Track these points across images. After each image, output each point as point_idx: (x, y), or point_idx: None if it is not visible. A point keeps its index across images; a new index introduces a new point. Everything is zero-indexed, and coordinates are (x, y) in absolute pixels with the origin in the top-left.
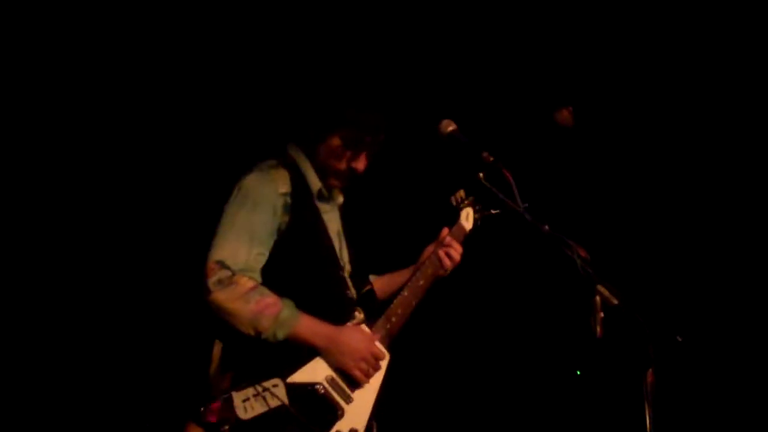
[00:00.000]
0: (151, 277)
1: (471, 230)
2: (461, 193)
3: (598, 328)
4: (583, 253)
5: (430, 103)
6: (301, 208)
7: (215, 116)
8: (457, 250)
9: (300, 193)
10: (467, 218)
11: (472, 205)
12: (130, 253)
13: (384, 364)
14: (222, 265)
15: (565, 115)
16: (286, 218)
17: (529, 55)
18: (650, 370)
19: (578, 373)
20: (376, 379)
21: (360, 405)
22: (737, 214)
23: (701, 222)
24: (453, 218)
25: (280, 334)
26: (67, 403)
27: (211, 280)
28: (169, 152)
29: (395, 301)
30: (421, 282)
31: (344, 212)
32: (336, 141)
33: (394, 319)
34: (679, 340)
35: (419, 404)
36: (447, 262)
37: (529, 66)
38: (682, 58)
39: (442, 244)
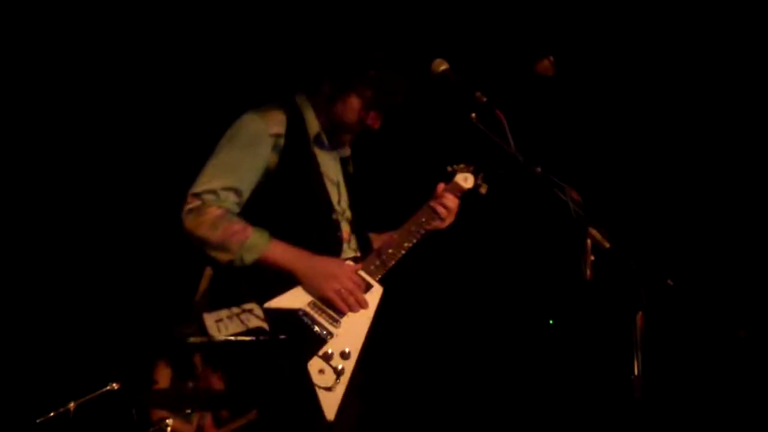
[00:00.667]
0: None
1: (470, 191)
2: (462, 165)
3: (588, 271)
4: (575, 196)
5: (421, 46)
6: (293, 151)
7: (230, 72)
8: (451, 201)
9: (295, 135)
10: (465, 180)
11: (472, 172)
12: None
13: (375, 296)
14: (196, 196)
15: (545, 65)
16: (275, 159)
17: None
18: (640, 313)
19: (551, 322)
20: (366, 312)
21: (351, 330)
22: (728, 154)
23: (692, 164)
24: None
25: (249, 258)
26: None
27: (184, 210)
28: (181, 106)
29: (385, 242)
30: (413, 228)
31: (353, 165)
32: (355, 100)
33: (383, 257)
34: (670, 283)
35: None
36: (441, 211)
37: (511, 16)
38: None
39: (436, 196)
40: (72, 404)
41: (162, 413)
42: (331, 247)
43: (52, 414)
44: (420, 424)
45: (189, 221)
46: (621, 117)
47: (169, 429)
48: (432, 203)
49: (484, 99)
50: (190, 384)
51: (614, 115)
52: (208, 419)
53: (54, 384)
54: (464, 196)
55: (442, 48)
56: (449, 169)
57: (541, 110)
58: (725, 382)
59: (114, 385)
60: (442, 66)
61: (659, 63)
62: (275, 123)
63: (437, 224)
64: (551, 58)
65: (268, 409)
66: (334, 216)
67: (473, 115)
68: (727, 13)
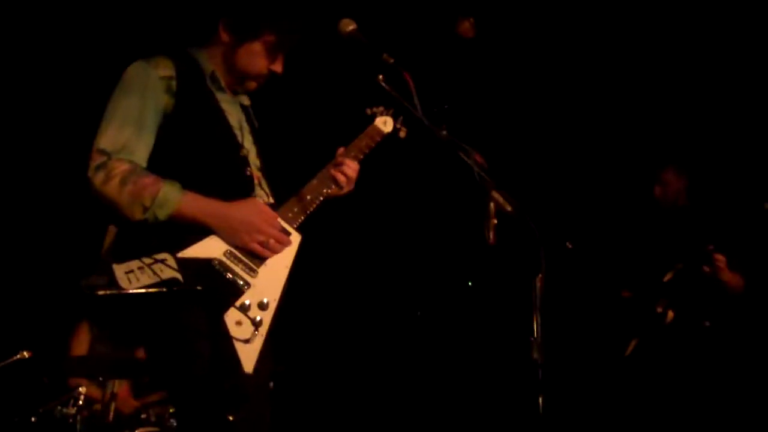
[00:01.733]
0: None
1: (389, 134)
2: (381, 107)
3: (491, 234)
4: (479, 159)
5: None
6: (189, 90)
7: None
8: (351, 168)
9: (188, 76)
10: (385, 123)
11: (391, 115)
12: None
13: (294, 242)
14: (101, 152)
15: (466, 26)
16: (172, 101)
17: None
18: (540, 276)
19: (469, 283)
20: (285, 256)
21: (269, 278)
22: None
23: (590, 129)
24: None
25: (162, 214)
26: None
27: (91, 167)
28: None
29: (301, 191)
30: (329, 175)
31: (253, 114)
32: (257, 46)
33: (301, 203)
34: (569, 246)
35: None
36: (341, 178)
37: None
38: None
39: (336, 163)
40: None
41: (78, 380)
42: (242, 188)
43: None
44: (327, 377)
45: (98, 179)
46: (530, 80)
47: (82, 397)
48: (331, 170)
49: (391, 60)
50: (103, 349)
51: (524, 78)
52: (124, 387)
53: None
54: (380, 142)
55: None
56: (368, 111)
57: (455, 71)
58: (620, 345)
59: (25, 353)
60: (350, 26)
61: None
62: (163, 67)
63: (335, 191)
64: (472, 19)
65: (181, 364)
66: (242, 153)
67: (380, 77)
68: None
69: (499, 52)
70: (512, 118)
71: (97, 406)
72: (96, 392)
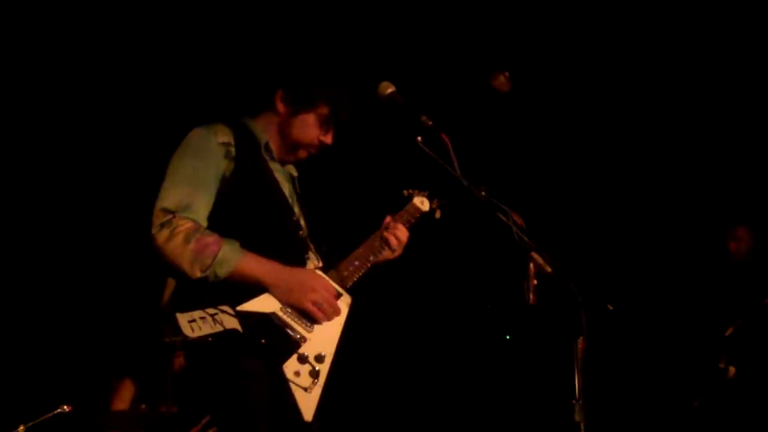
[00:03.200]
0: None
1: (425, 214)
2: (416, 189)
3: (531, 295)
4: (518, 220)
5: (369, 68)
6: (245, 157)
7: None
8: (402, 233)
9: (244, 144)
10: (422, 203)
11: (427, 196)
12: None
13: (344, 305)
14: (164, 210)
15: (501, 80)
16: (231, 165)
17: (466, 19)
18: (581, 338)
19: (507, 337)
20: (338, 319)
21: (324, 334)
22: (670, 184)
23: (635, 192)
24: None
25: (221, 272)
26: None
27: (155, 225)
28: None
29: (350, 255)
30: (377, 243)
31: (300, 186)
32: (311, 117)
33: (350, 268)
34: (610, 308)
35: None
36: (393, 241)
37: (466, 31)
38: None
39: (387, 228)
40: (22, 427)
41: None
42: (297, 250)
43: None
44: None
45: (161, 236)
46: (567, 138)
47: None
48: (384, 234)
49: (430, 122)
50: (143, 406)
51: (560, 136)
52: None
53: (3, 406)
54: (419, 220)
55: (390, 69)
56: (405, 192)
57: (491, 128)
58: (664, 405)
59: (65, 407)
60: (389, 89)
61: (611, 87)
62: (222, 134)
63: (387, 255)
64: (506, 73)
65: (242, 409)
66: (294, 218)
67: (419, 138)
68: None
69: (536, 105)
70: (552, 175)
71: None
72: None
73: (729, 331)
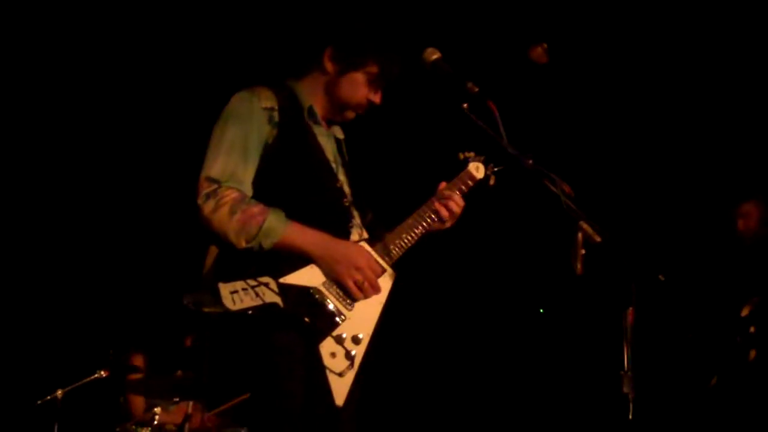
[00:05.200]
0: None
1: (481, 181)
2: (473, 153)
3: (579, 265)
4: (566, 189)
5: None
6: (289, 122)
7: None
8: (457, 203)
9: (288, 109)
10: (477, 169)
11: (483, 162)
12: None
13: (388, 281)
14: (210, 180)
15: (539, 52)
16: (274, 131)
17: None
18: (630, 309)
19: (541, 311)
20: (378, 298)
21: (363, 314)
22: (720, 150)
23: (686, 158)
24: (456, 170)
25: (267, 243)
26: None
27: (201, 195)
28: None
29: (398, 227)
30: (427, 214)
31: (347, 149)
32: (360, 76)
33: (397, 241)
34: (662, 279)
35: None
36: (444, 213)
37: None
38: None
39: (440, 198)
40: (60, 392)
41: (142, 401)
42: (340, 218)
43: (39, 402)
44: (415, 413)
45: (208, 207)
46: (614, 108)
47: (156, 417)
48: (436, 204)
49: (476, 89)
50: (179, 372)
51: (607, 106)
52: (195, 405)
53: (43, 371)
54: (473, 187)
55: (433, 36)
56: (461, 156)
57: (533, 98)
58: (715, 381)
59: (102, 372)
60: (434, 55)
61: (654, 55)
62: (265, 98)
63: (438, 226)
64: (545, 45)
65: (276, 384)
66: (338, 185)
67: (465, 105)
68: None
69: (575, 77)
70: (600, 145)
71: (171, 427)
72: (168, 414)
73: (746, 311)
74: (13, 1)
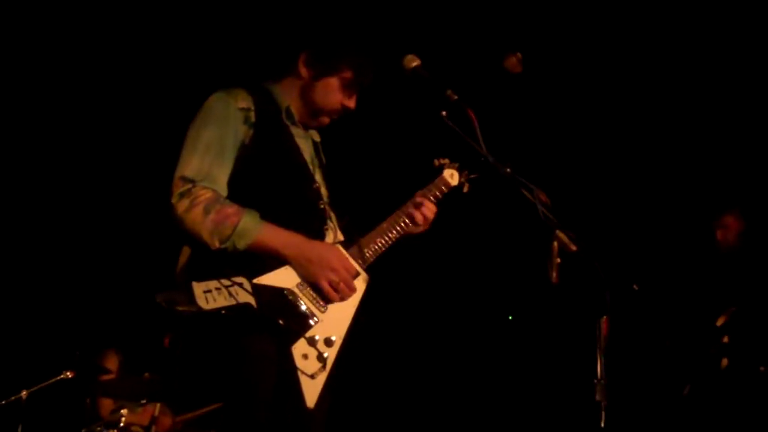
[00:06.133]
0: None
1: (455, 188)
2: (447, 159)
3: (554, 274)
4: (543, 197)
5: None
6: (266, 123)
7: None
8: (429, 209)
9: (265, 110)
10: (452, 176)
11: (457, 169)
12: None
13: (361, 284)
14: (185, 179)
15: (513, 62)
16: (250, 132)
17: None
18: (605, 317)
19: (510, 318)
20: (353, 298)
21: (337, 316)
22: (693, 158)
23: (659, 168)
24: (431, 176)
25: (241, 244)
26: None
27: (175, 194)
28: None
29: (373, 231)
30: (402, 218)
31: (323, 151)
32: (334, 81)
33: (372, 245)
34: (636, 288)
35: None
36: (418, 218)
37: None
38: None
39: (415, 204)
40: (24, 392)
41: (110, 402)
42: (315, 220)
43: (3, 402)
44: (387, 418)
45: (181, 206)
46: (591, 117)
47: (123, 419)
48: (410, 209)
49: (455, 97)
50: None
51: (584, 115)
52: (163, 408)
53: (7, 371)
54: (446, 193)
55: (412, 43)
56: (437, 163)
57: (509, 108)
58: (688, 389)
59: (68, 373)
60: (414, 62)
61: (632, 62)
62: (242, 99)
63: (412, 230)
64: (519, 54)
65: (247, 387)
66: (315, 186)
67: (444, 113)
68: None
69: (548, 87)
70: (571, 156)
71: (137, 429)
72: (134, 416)
73: (721, 321)
74: None
